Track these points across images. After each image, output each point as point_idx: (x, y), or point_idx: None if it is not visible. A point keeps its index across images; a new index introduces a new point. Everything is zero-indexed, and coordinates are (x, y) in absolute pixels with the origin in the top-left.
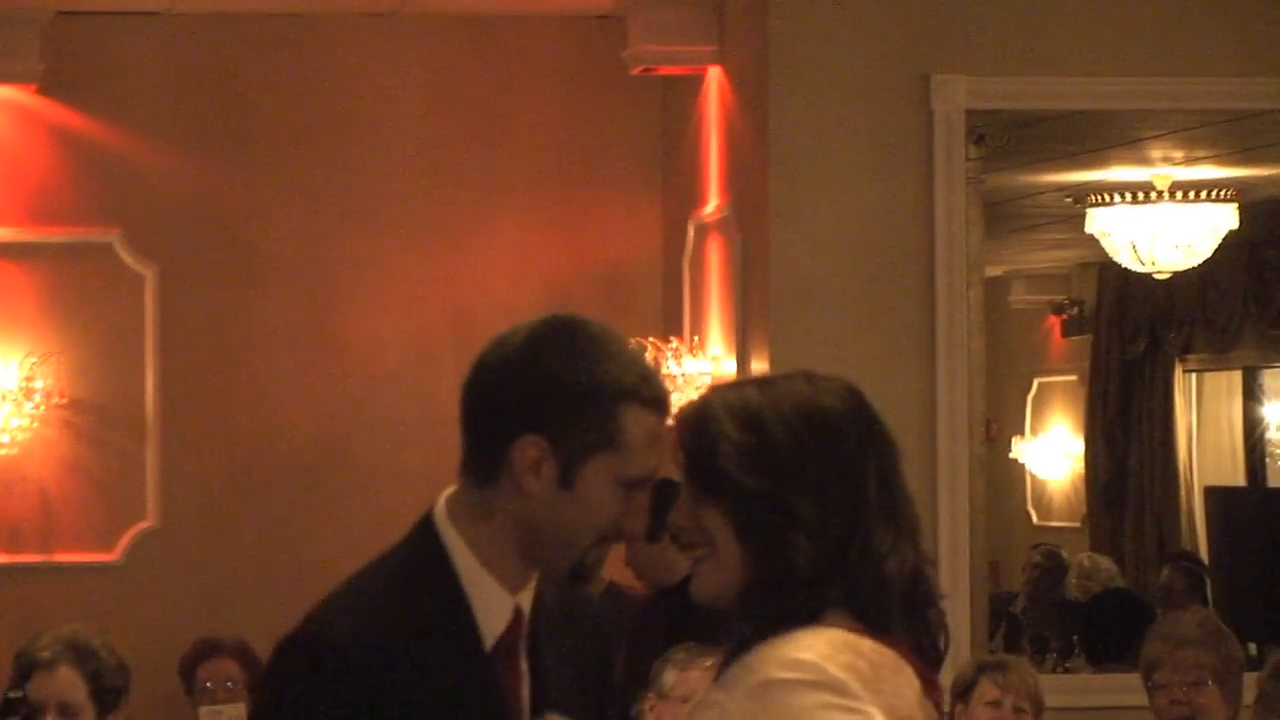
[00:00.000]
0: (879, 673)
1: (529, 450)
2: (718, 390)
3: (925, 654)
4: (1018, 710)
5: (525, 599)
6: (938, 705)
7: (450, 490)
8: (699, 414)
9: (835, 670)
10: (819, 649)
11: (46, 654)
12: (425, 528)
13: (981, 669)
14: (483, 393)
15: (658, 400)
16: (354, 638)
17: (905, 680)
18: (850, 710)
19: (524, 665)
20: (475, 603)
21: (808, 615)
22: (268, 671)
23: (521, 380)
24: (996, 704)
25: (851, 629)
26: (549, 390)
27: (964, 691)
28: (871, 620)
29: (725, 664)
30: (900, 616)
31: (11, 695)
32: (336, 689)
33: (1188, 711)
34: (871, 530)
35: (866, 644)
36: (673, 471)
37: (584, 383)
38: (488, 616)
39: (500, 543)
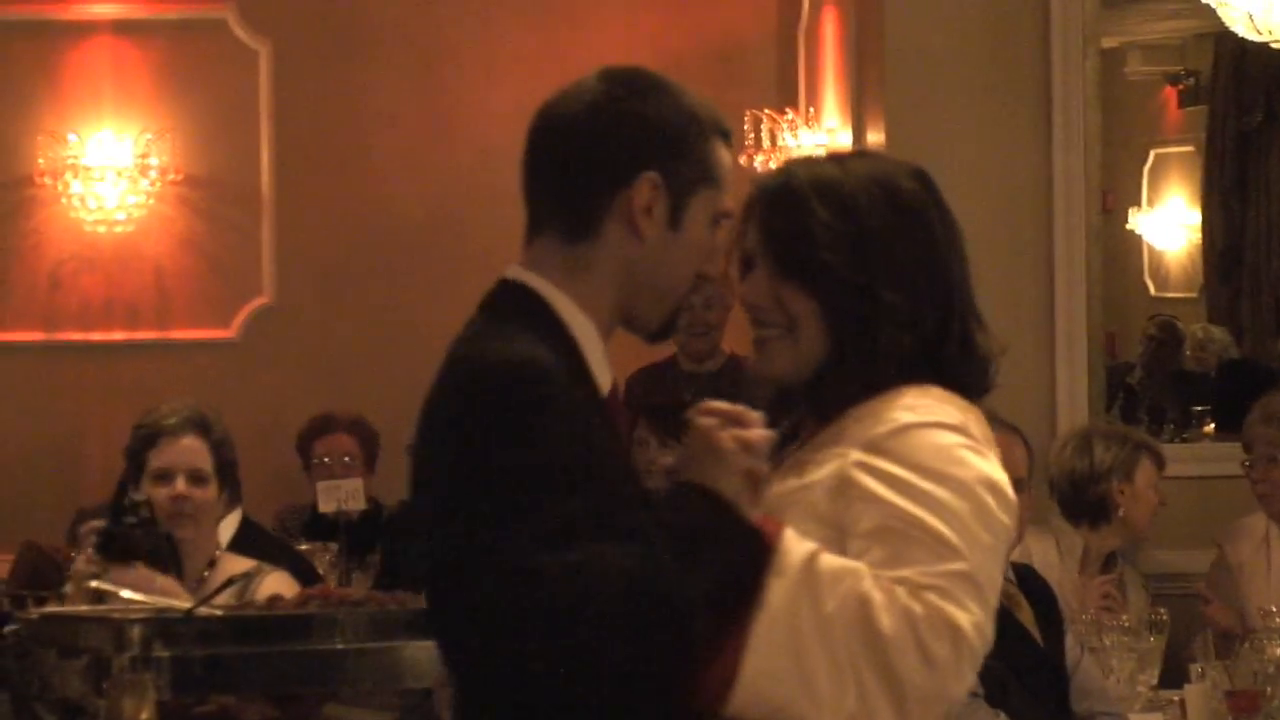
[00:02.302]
0: (983, 429)
1: (644, 191)
2: (796, 164)
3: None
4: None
5: None
6: None
7: (521, 260)
8: (786, 191)
9: (960, 417)
10: (936, 400)
11: (173, 420)
12: (515, 292)
13: (1140, 448)
14: (578, 143)
15: (731, 136)
16: (547, 359)
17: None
18: (981, 454)
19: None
20: (588, 354)
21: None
22: (474, 408)
23: (625, 123)
24: (1157, 483)
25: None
26: (657, 128)
27: (1128, 471)
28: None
29: (804, 443)
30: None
31: (135, 497)
32: (556, 408)
33: (1264, 489)
34: (966, 318)
35: (964, 402)
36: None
37: (684, 119)
38: (599, 368)
39: (600, 298)
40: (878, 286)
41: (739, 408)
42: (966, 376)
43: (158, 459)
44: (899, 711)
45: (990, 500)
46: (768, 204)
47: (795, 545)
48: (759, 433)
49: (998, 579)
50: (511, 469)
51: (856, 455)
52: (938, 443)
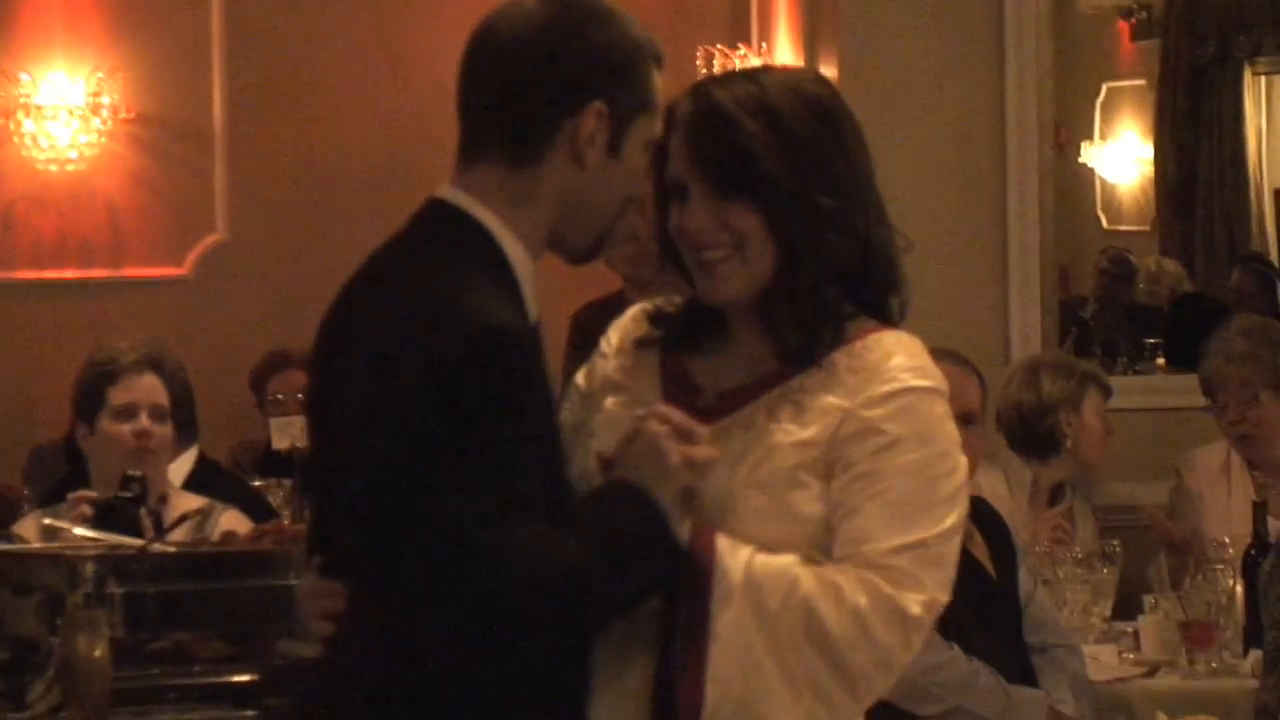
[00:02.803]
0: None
1: (590, 120)
2: (710, 86)
3: None
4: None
5: None
6: None
7: (456, 181)
8: (710, 112)
9: (941, 376)
10: (920, 355)
11: (133, 357)
12: (454, 217)
13: (1087, 379)
14: (525, 69)
15: (663, 60)
16: (514, 323)
17: None
18: (951, 418)
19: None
20: (523, 284)
21: (839, 315)
22: (444, 379)
23: (572, 51)
24: (1103, 413)
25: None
26: (603, 57)
27: (1075, 402)
28: (891, 318)
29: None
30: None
31: (131, 473)
32: (531, 375)
33: (1245, 429)
34: (883, 223)
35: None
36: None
37: (628, 47)
38: (531, 300)
39: (537, 225)
40: (816, 193)
41: (690, 422)
42: (890, 292)
43: (120, 396)
44: (853, 697)
45: (960, 472)
46: (694, 128)
47: (732, 562)
48: (705, 451)
49: (957, 551)
50: (486, 442)
51: (861, 412)
52: (934, 412)
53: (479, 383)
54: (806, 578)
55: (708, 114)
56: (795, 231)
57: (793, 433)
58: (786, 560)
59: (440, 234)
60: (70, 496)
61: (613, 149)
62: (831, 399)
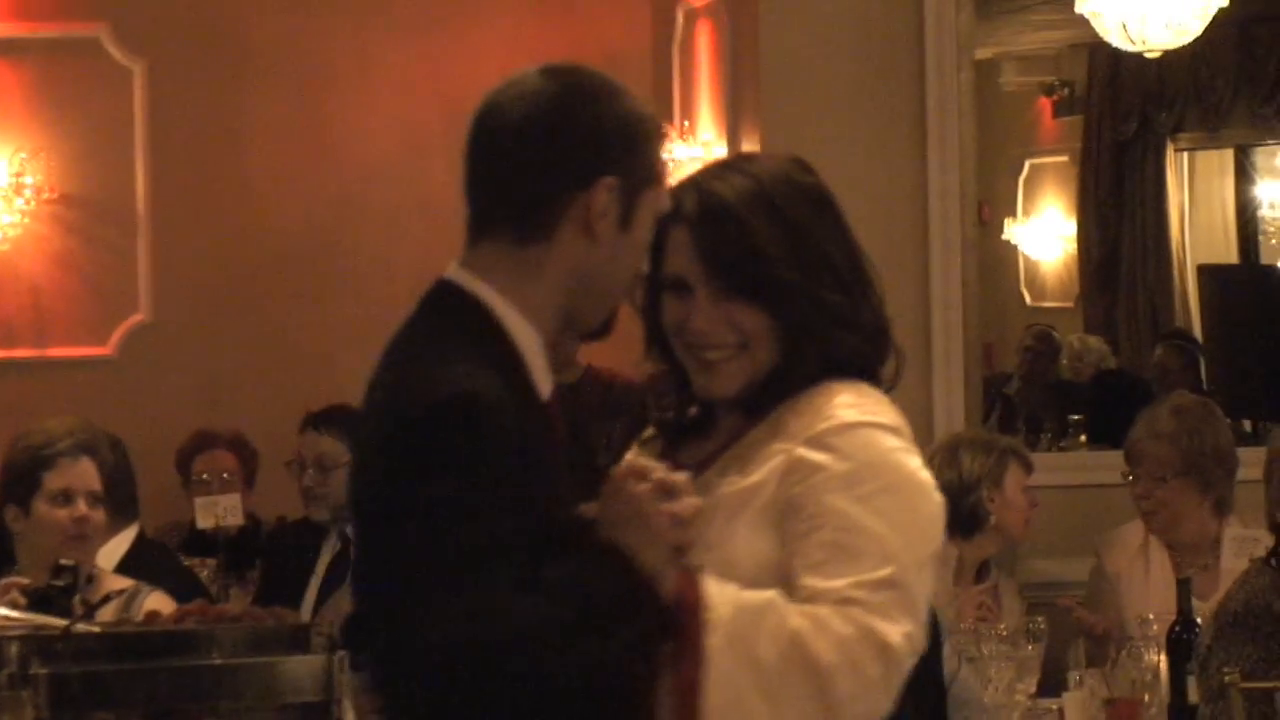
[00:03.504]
0: (909, 429)
1: (601, 195)
2: (706, 182)
3: None
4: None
5: None
6: None
7: (464, 260)
8: (715, 210)
9: (896, 417)
10: (871, 399)
11: (69, 442)
12: (456, 297)
13: (1006, 454)
14: (534, 147)
15: (664, 134)
16: (488, 391)
17: None
18: (916, 457)
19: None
20: (530, 362)
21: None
22: (405, 445)
23: (581, 127)
24: (1025, 487)
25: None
26: (612, 132)
27: (996, 478)
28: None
29: (734, 440)
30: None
31: (64, 562)
32: (497, 441)
33: (1151, 506)
34: (877, 298)
35: (888, 399)
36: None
37: (634, 120)
38: (540, 376)
39: (547, 301)
40: (822, 290)
41: (671, 475)
42: (885, 366)
43: (56, 480)
44: None
45: (924, 506)
46: (702, 227)
47: (719, 601)
48: (689, 503)
49: (929, 586)
50: (432, 502)
51: (800, 451)
52: (881, 444)
53: (436, 447)
54: (789, 607)
55: (716, 212)
56: (802, 329)
57: (736, 483)
58: (770, 594)
59: (437, 311)
60: (0, 583)
61: (624, 222)
62: (775, 444)
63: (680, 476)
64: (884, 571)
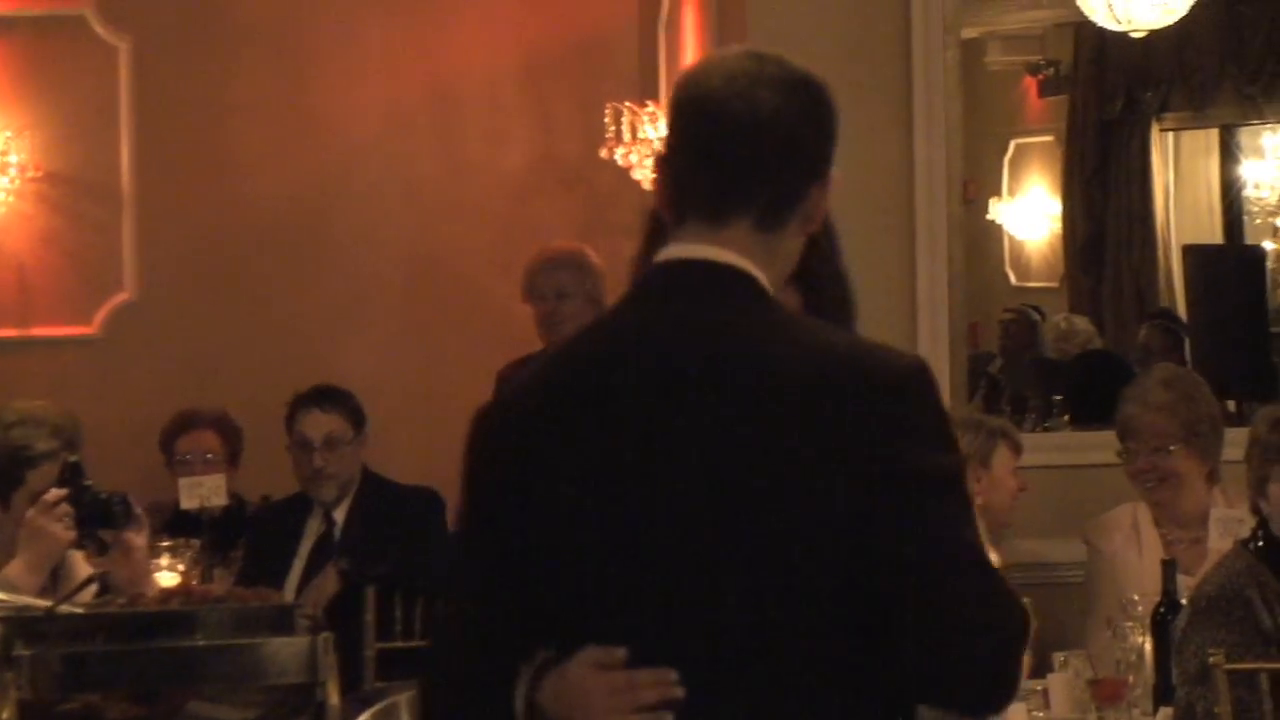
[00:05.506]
0: None
1: (828, 185)
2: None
3: None
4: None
5: None
6: None
7: (713, 239)
8: None
9: None
10: None
11: (53, 445)
12: (739, 277)
13: (995, 434)
14: (793, 136)
15: None
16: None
17: None
18: None
19: None
20: None
21: None
22: (927, 414)
23: (828, 116)
24: (1015, 469)
25: None
26: (836, 124)
27: (984, 458)
28: None
29: None
30: None
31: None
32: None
33: (1154, 479)
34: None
35: None
36: None
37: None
38: None
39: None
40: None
41: (658, 675)
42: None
43: (40, 481)
44: None
45: None
46: None
47: None
48: (661, 692)
49: None
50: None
51: None
52: None
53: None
54: None
55: None
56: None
57: None
58: None
59: (735, 292)
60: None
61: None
62: None
63: (645, 674)
64: None
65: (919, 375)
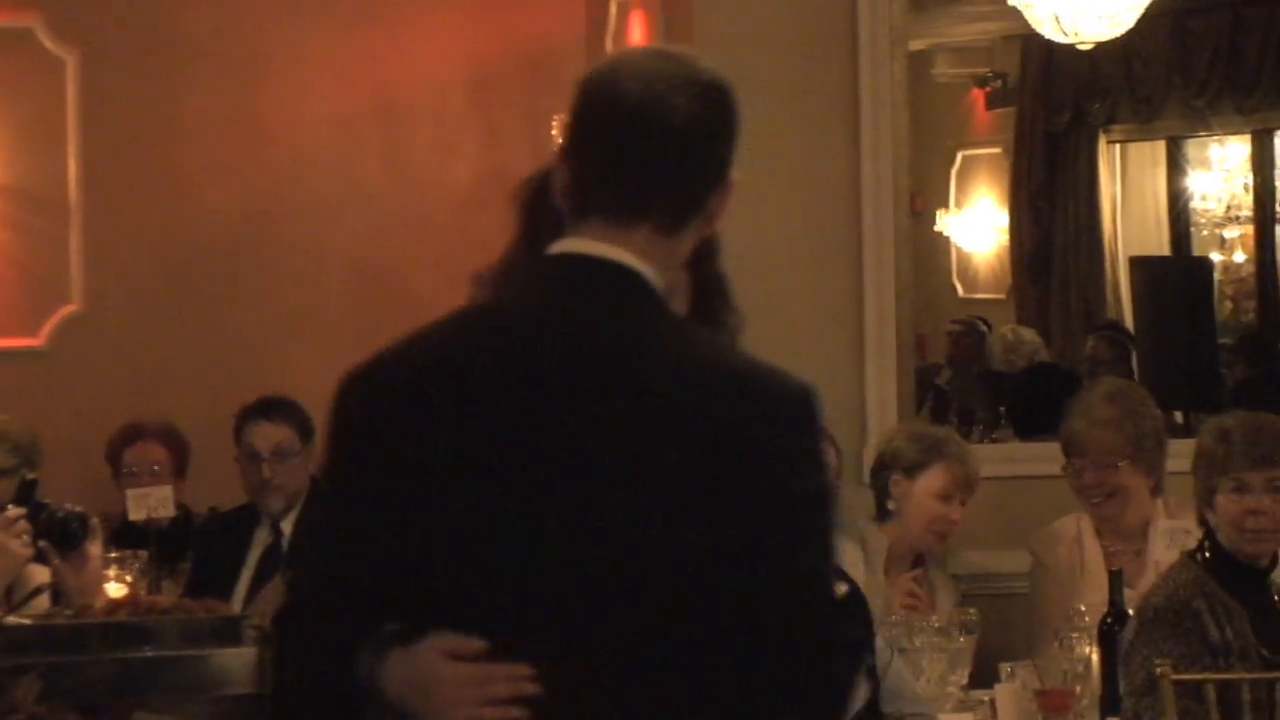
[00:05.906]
0: None
1: (729, 188)
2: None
3: None
4: (961, 504)
5: None
6: None
7: (616, 241)
8: None
9: None
10: None
11: (12, 462)
12: (634, 280)
13: (934, 451)
14: (702, 142)
15: None
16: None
17: None
18: None
19: None
20: None
21: None
22: (807, 439)
23: (735, 123)
24: (946, 498)
25: None
26: (740, 128)
27: (910, 469)
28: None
29: None
30: None
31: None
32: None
33: (1101, 494)
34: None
35: None
36: None
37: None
38: None
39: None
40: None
41: (511, 669)
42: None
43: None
44: None
45: None
46: None
47: None
48: (513, 688)
49: None
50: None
51: None
52: None
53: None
54: None
55: None
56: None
57: None
58: None
59: (632, 295)
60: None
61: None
62: None
63: (499, 668)
64: None
65: (803, 401)
